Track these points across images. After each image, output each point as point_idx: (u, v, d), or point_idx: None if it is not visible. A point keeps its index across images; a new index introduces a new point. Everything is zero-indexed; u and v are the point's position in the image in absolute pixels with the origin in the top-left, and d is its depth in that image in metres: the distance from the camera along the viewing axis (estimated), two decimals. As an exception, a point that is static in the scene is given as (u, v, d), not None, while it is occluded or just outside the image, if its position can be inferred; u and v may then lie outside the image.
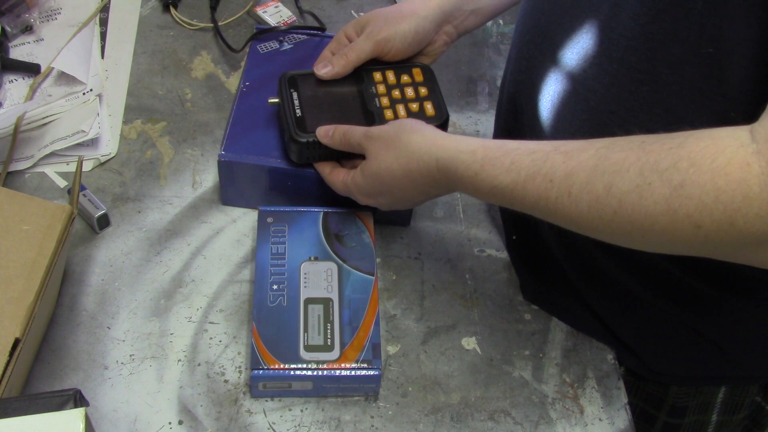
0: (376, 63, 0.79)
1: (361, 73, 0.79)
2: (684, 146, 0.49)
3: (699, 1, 0.52)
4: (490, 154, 0.59)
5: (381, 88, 0.78)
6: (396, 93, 0.77)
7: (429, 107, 0.76)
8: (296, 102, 0.76)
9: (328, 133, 0.73)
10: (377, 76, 0.78)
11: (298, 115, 0.75)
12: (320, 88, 0.78)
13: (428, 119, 0.75)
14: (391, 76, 0.78)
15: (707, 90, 0.55)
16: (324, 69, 0.78)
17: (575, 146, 0.55)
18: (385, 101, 0.77)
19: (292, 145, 0.74)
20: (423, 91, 0.77)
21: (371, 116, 0.76)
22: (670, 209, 0.48)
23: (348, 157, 0.74)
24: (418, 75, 0.79)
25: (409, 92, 0.77)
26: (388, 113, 0.76)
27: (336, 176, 0.73)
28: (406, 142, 0.65)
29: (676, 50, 0.55)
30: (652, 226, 0.50)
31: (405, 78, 0.78)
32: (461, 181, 0.61)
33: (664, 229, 0.49)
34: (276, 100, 0.78)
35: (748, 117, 0.49)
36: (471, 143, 0.61)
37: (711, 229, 0.47)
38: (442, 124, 0.76)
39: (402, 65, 0.80)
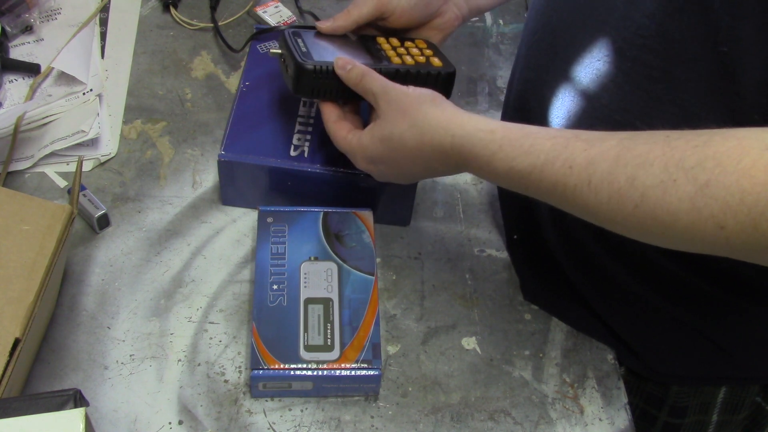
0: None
1: (364, 40, 0.77)
2: (710, 145, 0.48)
3: (715, 0, 0.52)
4: (510, 134, 0.58)
5: (385, 46, 0.76)
6: (401, 50, 0.75)
7: (435, 60, 0.74)
8: (301, 42, 0.73)
9: (345, 67, 0.69)
10: (381, 39, 0.77)
11: (303, 50, 0.72)
12: (323, 35, 0.76)
13: (436, 68, 0.73)
14: (395, 41, 0.77)
15: (722, 88, 0.55)
16: (326, 23, 0.75)
17: (597, 135, 0.54)
18: (391, 53, 0.74)
19: (297, 73, 0.71)
20: (428, 51, 0.76)
21: (378, 53, 0.74)
22: (694, 208, 0.48)
23: (348, 99, 0.71)
24: (421, 43, 0.77)
25: (414, 50, 0.75)
26: (396, 60, 0.73)
27: (340, 128, 0.70)
28: (425, 113, 0.63)
29: (691, 49, 0.55)
30: (674, 223, 0.49)
31: (408, 43, 0.77)
32: (476, 161, 0.60)
33: (687, 227, 0.49)
34: (278, 51, 0.75)
35: (762, 115, 0.49)
36: (490, 123, 0.60)
37: (734, 230, 0.47)
38: (450, 74, 0.74)
39: (405, 38, 0.78)
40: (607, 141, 0.53)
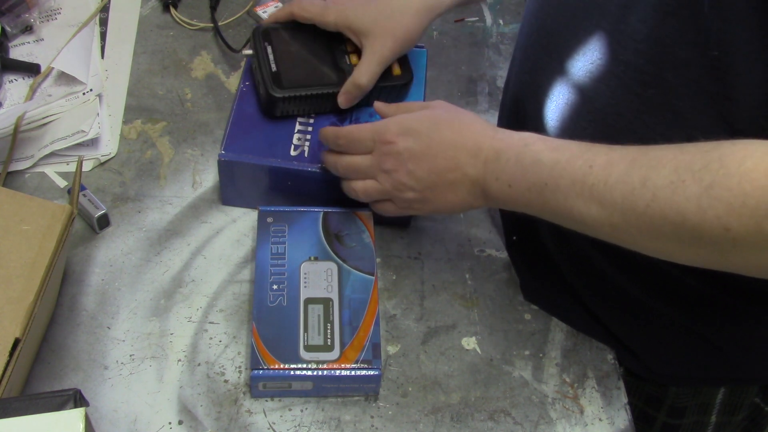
0: None
1: (332, 47, 0.81)
2: (717, 149, 0.49)
3: (705, 5, 0.53)
4: (541, 136, 0.62)
5: (351, 47, 0.80)
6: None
7: (395, 67, 0.80)
8: (271, 57, 0.79)
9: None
10: (350, 46, 0.81)
11: (273, 70, 0.78)
12: (293, 42, 0.81)
13: (394, 77, 0.79)
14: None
15: (713, 92, 0.55)
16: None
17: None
18: (354, 59, 0.79)
19: (270, 100, 0.77)
20: None
21: (342, 73, 0.79)
22: (700, 209, 0.49)
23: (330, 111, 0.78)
24: None
25: None
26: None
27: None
28: (470, 119, 0.66)
29: (683, 53, 0.55)
30: (683, 223, 0.50)
31: None
32: (507, 152, 0.62)
33: (695, 227, 0.50)
34: (250, 52, 0.81)
35: (754, 120, 0.49)
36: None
37: (740, 232, 0.48)
38: (406, 84, 0.80)
39: None
40: (627, 147, 0.55)
